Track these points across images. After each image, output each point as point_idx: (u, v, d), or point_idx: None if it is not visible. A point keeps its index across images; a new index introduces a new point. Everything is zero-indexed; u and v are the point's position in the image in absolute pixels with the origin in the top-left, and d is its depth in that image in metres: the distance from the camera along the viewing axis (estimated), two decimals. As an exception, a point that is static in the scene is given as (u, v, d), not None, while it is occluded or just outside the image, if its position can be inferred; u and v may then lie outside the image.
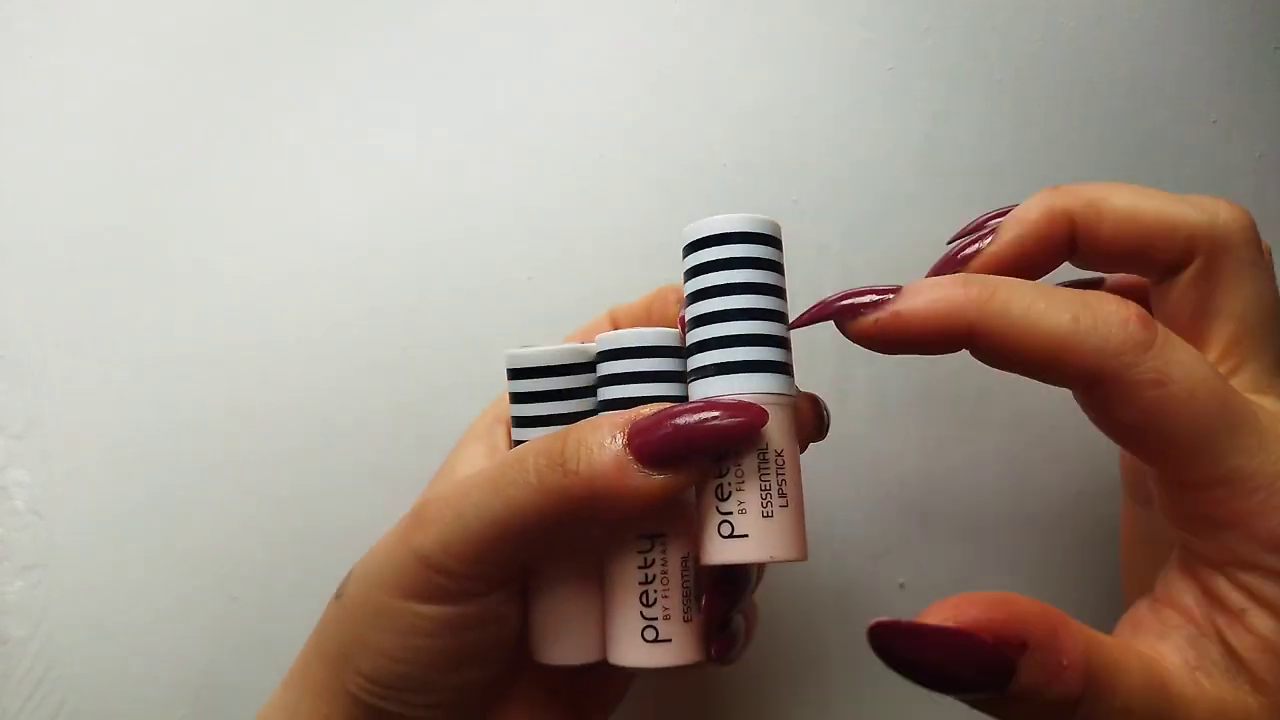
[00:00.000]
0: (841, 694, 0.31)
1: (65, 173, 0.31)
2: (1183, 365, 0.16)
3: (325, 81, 0.32)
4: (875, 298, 0.18)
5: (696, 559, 0.21)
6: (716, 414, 0.19)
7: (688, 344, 0.21)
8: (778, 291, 0.21)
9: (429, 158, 0.32)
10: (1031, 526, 0.31)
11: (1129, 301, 0.17)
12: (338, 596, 0.22)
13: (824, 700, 0.31)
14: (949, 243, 0.22)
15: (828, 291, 0.31)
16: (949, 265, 0.21)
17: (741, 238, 0.20)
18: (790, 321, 0.20)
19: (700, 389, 0.20)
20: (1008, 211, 0.21)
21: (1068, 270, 0.22)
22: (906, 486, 0.31)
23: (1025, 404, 0.31)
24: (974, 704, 0.16)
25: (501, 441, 0.25)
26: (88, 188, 0.31)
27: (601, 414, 0.21)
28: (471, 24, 0.32)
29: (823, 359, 0.31)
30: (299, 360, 0.31)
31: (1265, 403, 0.18)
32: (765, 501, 0.19)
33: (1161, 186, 0.32)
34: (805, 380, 0.31)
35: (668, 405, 0.20)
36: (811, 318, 0.20)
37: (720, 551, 0.19)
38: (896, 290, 0.18)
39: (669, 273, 0.31)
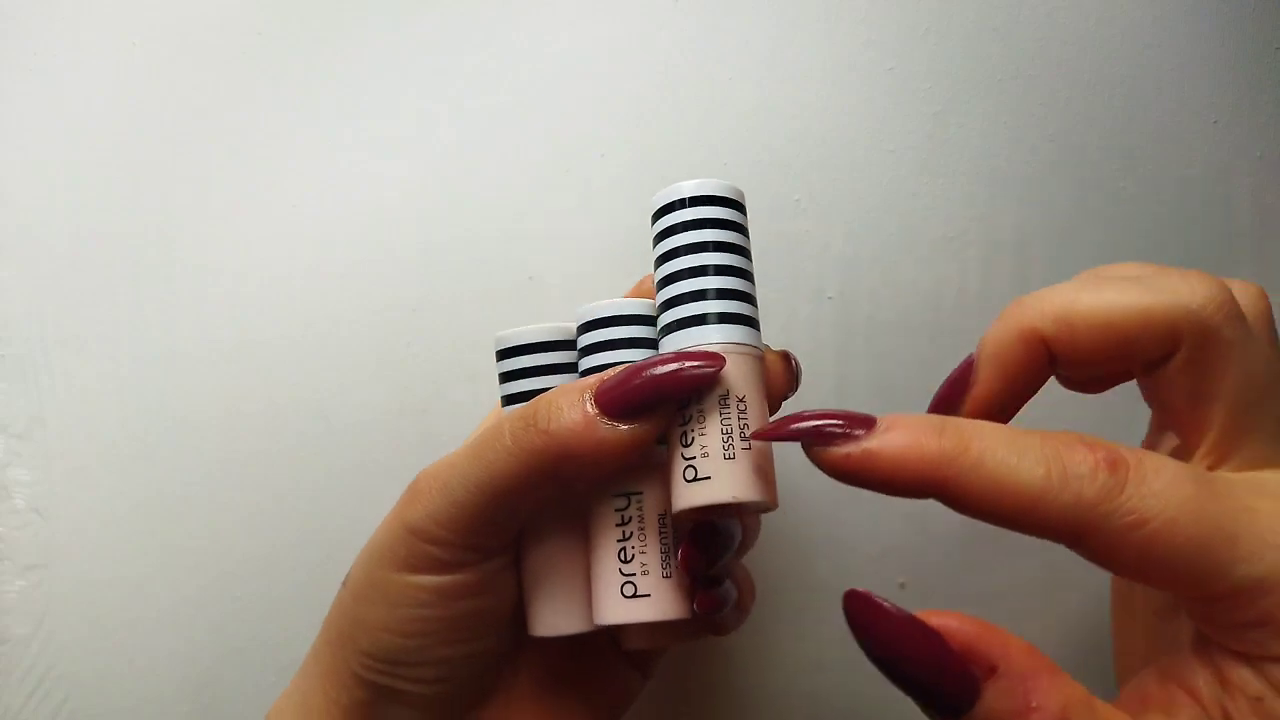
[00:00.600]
0: (842, 693, 0.31)
1: (67, 172, 0.32)
2: (1160, 497, 0.16)
3: (327, 81, 0.32)
4: (849, 430, 0.18)
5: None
6: (675, 364, 0.19)
7: (656, 305, 0.21)
8: (738, 249, 0.21)
9: (430, 158, 0.32)
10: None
11: (1096, 443, 0.16)
12: (344, 583, 0.23)
13: (824, 700, 0.31)
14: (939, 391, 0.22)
15: (828, 291, 0.31)
16: (939, 410, 0.21)
17: (702, 200, 0.21)
18: (752, 433, 0.20)
19: (667, 344, 0.21)
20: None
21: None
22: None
23: (1027, 404, 0.31)
24: None
25: None
26: (90, 187, 0.32)
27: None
28: (472, 24, 0.32)
29: (822, 357, 0.31)
30: (300, 359, 0.31)
31: (1269, 477, 0.17)
32: (726, 445, 0.20)
33: (1163, 187, 0.32)
34: (805, 378, 0.31)
35: (631, 363, 0.20)
36: (778, 435, 0.19)
37: (684, 495, 0.20)
38: (871, 424, 0.17)
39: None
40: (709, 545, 0.21)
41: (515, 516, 0.21)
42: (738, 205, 0.21)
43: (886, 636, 0.16)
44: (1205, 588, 0.16)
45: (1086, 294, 0.18)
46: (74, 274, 0.31)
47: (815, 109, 0.32)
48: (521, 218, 0.32)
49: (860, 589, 0.17)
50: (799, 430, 0.18)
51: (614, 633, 0.24)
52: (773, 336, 0.27)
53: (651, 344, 0.22)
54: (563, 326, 0.24)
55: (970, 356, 0.20)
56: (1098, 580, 0.30)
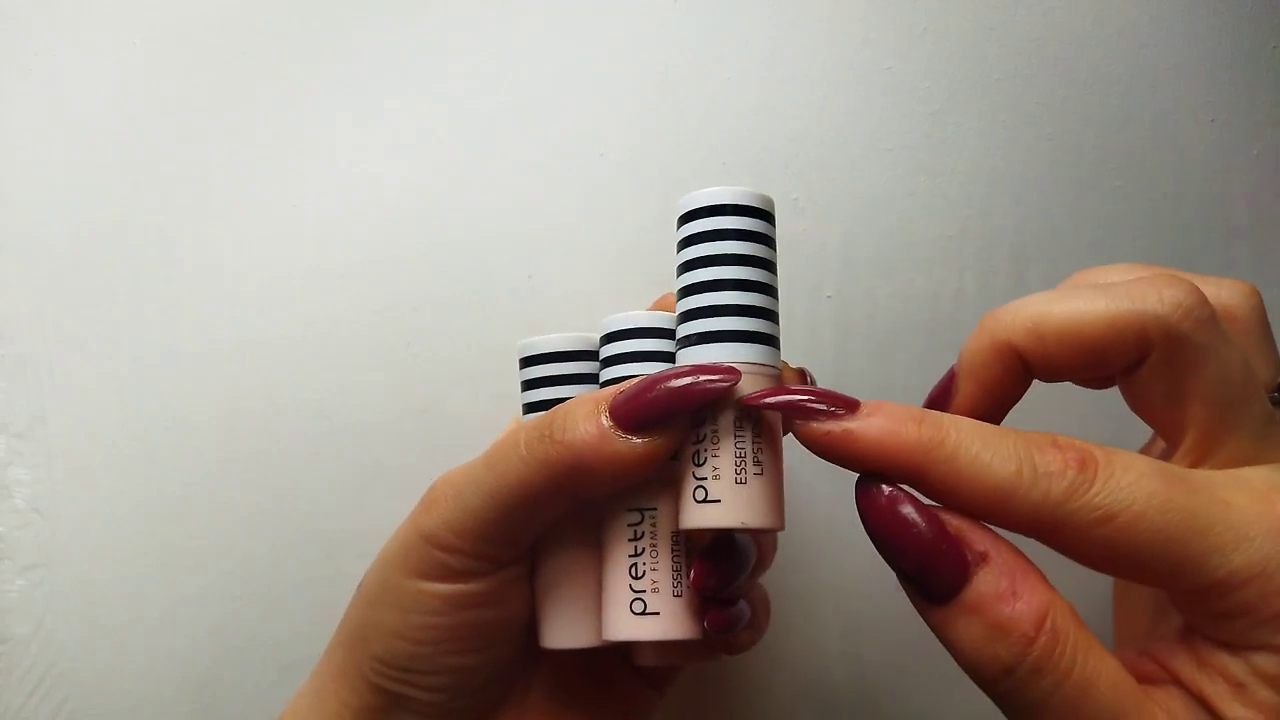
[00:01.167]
0: (843, 693, 0.31)
1: (68, 171, 0.32)
2: (1127, 491, 0.16)
3: (327, 81, 0.32)
4: (832, 408, 0.18)
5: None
6: (689, 377, 0.19)
7: (676, 314, 0.21)
8: (765, 264, 0.21)
9: (430, 157, 0.32)
10: None
11: (1069, 443, 0.17)
12: (359, 586, 0.23)
13: (825, 699, 0.31)
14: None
15: (826, 290, 0.31)
16: None
17: (731, 210, 0.20)
18: (740, 398, 0.20)
19: (684, 358, 0.21)
20: None
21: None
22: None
23: (1026, 402, 0.31)
24: (931, 619, 0.17)
25: None
26: (91, 186, 0.32)
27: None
28: (472, 24, 0.32)
29: (820, 356, 0.31)
30: (301, 359, 0.31)
31: (1249, 472, 0.17)
32: (739, 468, 0.20)
33: (1160, 186, 0.32)
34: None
35: (647, 375, 0.20)
36: (763, 403, 0.19)
37: (692, 516, 0.20)
38: (855, 407, 0.18)
39: (668, 271, 0.31)
40: (722, 565, 0.21)
41: (530, 527, 0.21)
42: (764, 215, 0.21)
43: (889, 520, 0.17)
44: (1180, 581, 0.16)
45: (1057, 304, 0.19)
46: (74, 274, 0.31)
47: (814, 109, 0.32)
48: (521, 217, 0.32)
49: (868, 479, 0.18)
50: (785, 402, 0.19)
51: (625, 648, 0.23)
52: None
53: (673, 358, 0.22)
54: (585, 336, 0.24)
55: (952, 369, 0.21)
56: (1102, 580, 0.30)
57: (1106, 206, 0.32)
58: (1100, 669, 0.16)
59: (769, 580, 0.26)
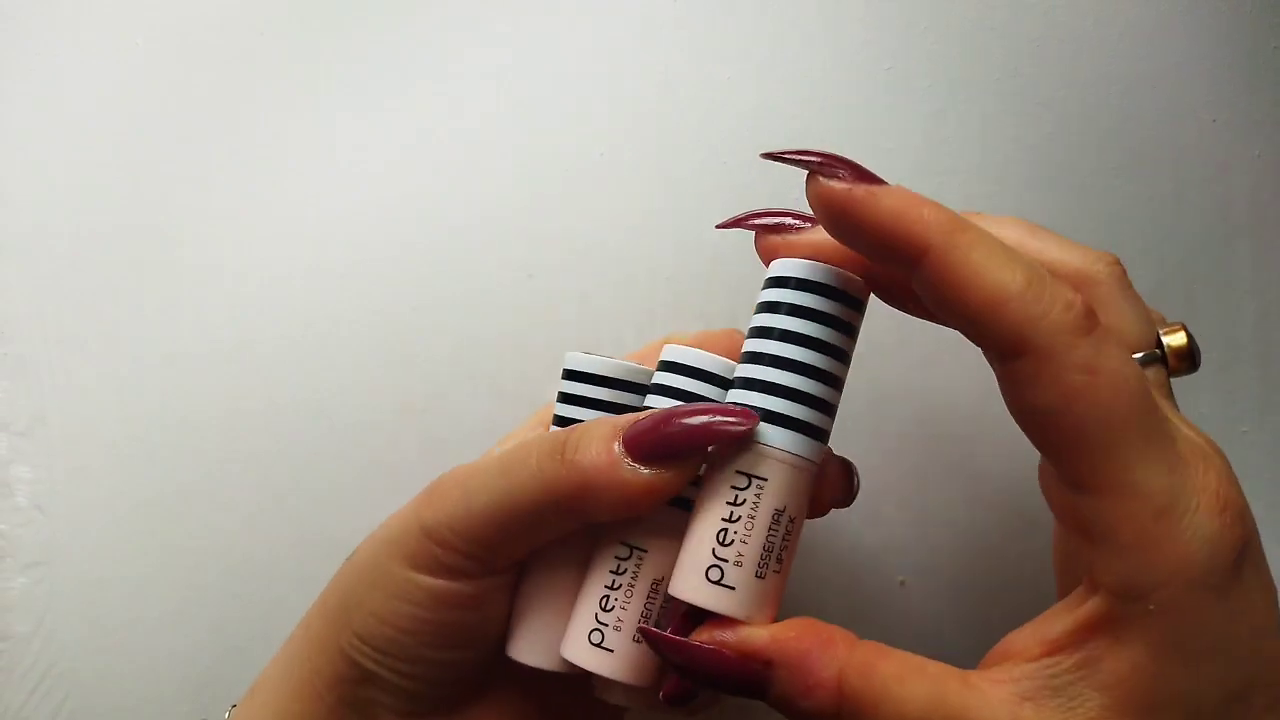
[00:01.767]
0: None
1: (69, 170, 0.32)
2: (1115, 360, 0.16)
3: (327, 81, 0.32)
4: (857, 174, 0.18)
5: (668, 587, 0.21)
6: (706, 415, 0.19)
7: (737, 374, 0.20)
8: (838, 353, 0.20)
9: (430, 157, 0.32)
10: (1031, 524, 0.31)
11: (1082, 294, 0.17)
12: (349, 558, 0.23)
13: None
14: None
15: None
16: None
17: (818, 288, 0.20)
18: (764, 153, 0.20)
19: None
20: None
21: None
22: (907, 481, 0.31)
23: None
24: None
25: None
26: (92, 185, 0.32)
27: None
28: (472, 24, 0.32)
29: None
30: (301, 358, 0.31)
31: (1185, 443, 0.17)
32: (763, 561, 0.19)
33: (1161, 187, 0.32)
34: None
35: (668, 408, 0.20)
36: (786, 158, 0.19)
37: (699, 592, 0.19)
38: (879, 181, 0.18)
39: (669, 271, 0.31)
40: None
41: (529, 540, 0.21)
42: (854, 302, 0.20)
43: (681, 658, 0.18)
44: (1098, 473, 0.16)
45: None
46: (74, 273, 0.31)
47: (814, 108, 0.32)
48: (521, 217, 0.32)
49: (645, 627, 0.20)
50: (809, 159, 0.18)
51: (594, 681, 0.23)
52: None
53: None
54: (638, 369, 0.23)
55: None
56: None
57: (1107, 206, 0.32)
58: (913, 690, 0.17)
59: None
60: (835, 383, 0.20)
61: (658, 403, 0.22)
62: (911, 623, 0.31)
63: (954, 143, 0.32)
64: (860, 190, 0.17)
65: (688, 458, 0.19)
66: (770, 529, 0.19)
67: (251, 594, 0.31)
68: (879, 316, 0.32)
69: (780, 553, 0.19)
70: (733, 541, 0.19)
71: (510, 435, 0.27)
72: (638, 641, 0.21)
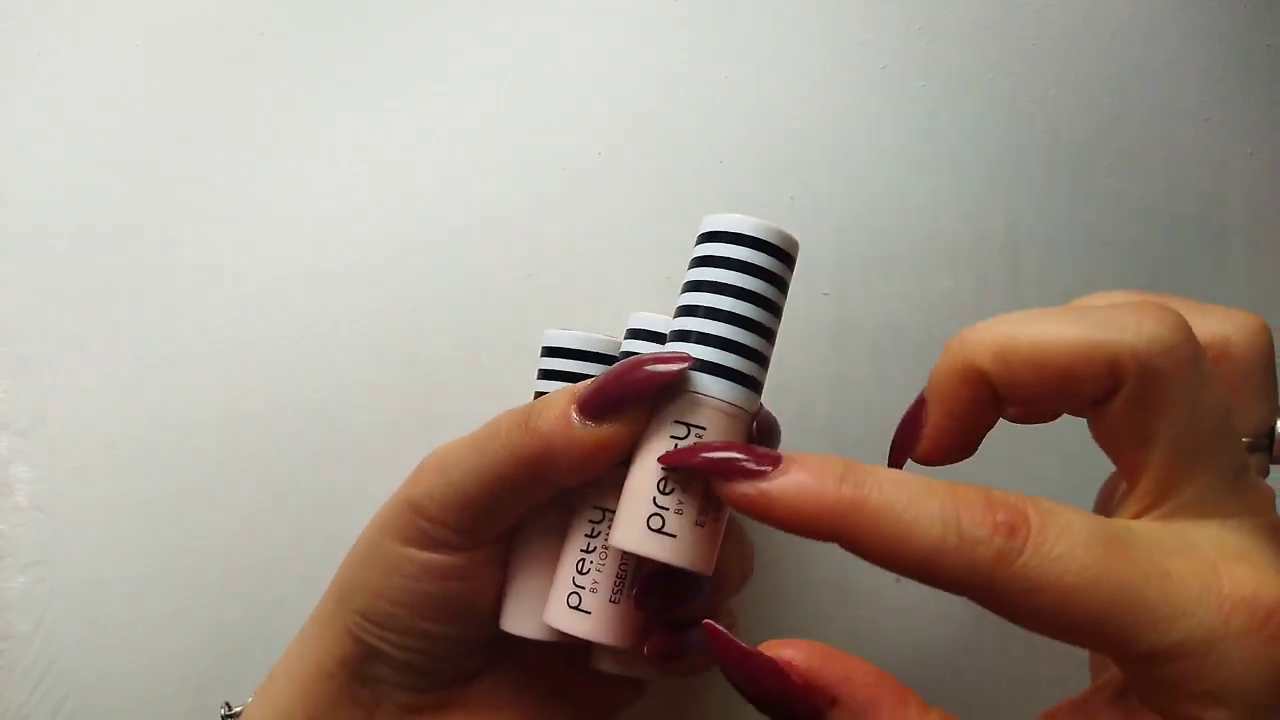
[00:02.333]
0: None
1: (69, 169, 0.32)
2: (1059, 562, 0.15)
3: (327, 81, 0.32)
4: (754, 466, 0.17)
5: None
6: (645, 367, 0.20)
7: (670, 329, 0.21)
8: (768, 304, 0.20)
9: (430, 157, 0.32)
10: None
11: (1001, 502, 0.16)
12: (355, 543, 0.24)
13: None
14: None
15: (823, 286, 0.32)
16: (898, 459, 0.21)
17: (751, 242, 0.20)
18: (660, 457, 0.20)
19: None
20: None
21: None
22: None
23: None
24: None
25: None
26: (92, 184, 0.32)
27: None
28: (472, 24, 0.32)
29: (818, 353, 0.31)
30: (301, 358, 0.31)
31: (1202, 530, 0.16)
32: (704, 510, 0.19)
33: (1155, 185, 0.33)
34: (799, 371, 0.31)
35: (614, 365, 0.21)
36: (684, 463, 0.19)
37: (643, 541, 0.19)
38: (777, 462, 0.17)
39: (668, 270, 0.31)
40: (668, 592, 0.21)
41: (509, 510, 0.22)
42: (784, 256, 0.20)
43: (737, 668, 0.17)
44: (1115, 651, 0.15)
45: (1026, 327, 0.17)
46: (74, 273, 0.31)
47: (811, 108, 0.32)
48: (521, 217, 0.32)
49: (713, 624, 0.17)
50: (705, 460, 0.18)
51: (590, 651, 0.24)
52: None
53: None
54: (608, 340, 0.24)
55: (922, 393, 0.20)
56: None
57: (1101, 205, 0.32)
58: None
59: (768, 579, 0.26)
60: (767, 334, 0.20)
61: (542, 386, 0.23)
62: (905, 620, 0.31)
63: (949, 142, 0.32)
64: (754, 494, 0.17)
65: (631, 408, 0.20)
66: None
67: (251, 594, 0.31)
68: (876, 316, 0.32)
69: (719, 501, 0.19)
70: (673, 490, 0.19)
71: None
72: (614, 603, 0.21)
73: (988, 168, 0.32)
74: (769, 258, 0.20)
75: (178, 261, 0.31)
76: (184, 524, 0.31)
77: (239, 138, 0.32)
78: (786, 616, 0.31)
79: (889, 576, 0.31)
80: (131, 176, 0.32)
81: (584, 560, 0.22)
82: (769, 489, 0.17)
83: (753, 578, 0.26)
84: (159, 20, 0.32)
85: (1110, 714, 0.17)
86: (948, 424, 0.19)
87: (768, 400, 0.25)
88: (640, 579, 0.21)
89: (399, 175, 0.32)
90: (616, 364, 0.20)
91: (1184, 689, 0.15)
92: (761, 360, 0.20)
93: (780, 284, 0.20)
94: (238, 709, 0.26)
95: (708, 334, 0.20)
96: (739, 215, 0.20)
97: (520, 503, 0.22)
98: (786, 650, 0.17)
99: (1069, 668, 0.19)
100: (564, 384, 0.24)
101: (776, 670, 0.17)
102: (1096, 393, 0.17)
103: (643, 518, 0.19)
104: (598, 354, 0.24)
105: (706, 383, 0.20)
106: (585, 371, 0.24)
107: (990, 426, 0.19)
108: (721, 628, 0.17)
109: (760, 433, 0.23)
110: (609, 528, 0.21)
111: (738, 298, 0.20)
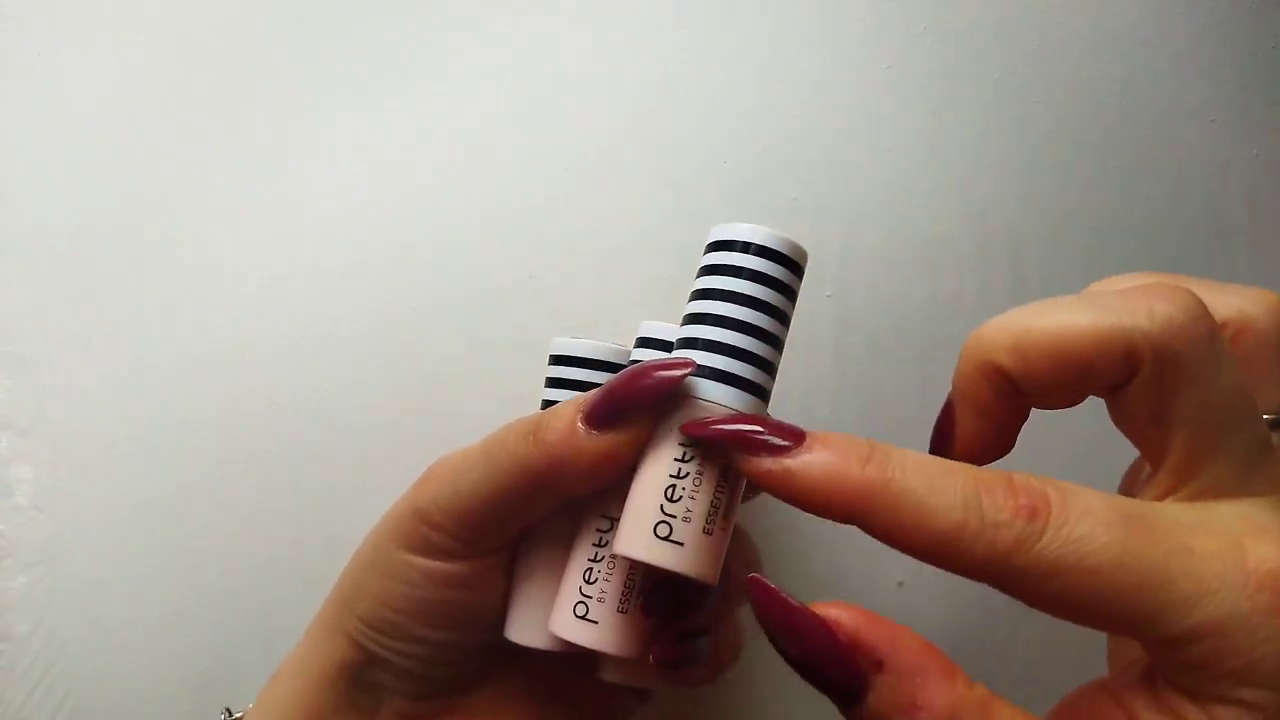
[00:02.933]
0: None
1: (69, 169, 0.32)
2: (1080, 543, 0.15)
3: (327, 81, 0.32)
4: (777, 441, 0.17)
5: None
6: (647, 372, 0.19)
7: (677, 336, 0.21)
8: (777, 313, 0.20)
9: (430, 157, 0.32)
10: None
11: (1021, 485, 0.16)
12: (359, 547, 0.24)
13: (823, 701, 0.31)
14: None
15: (826, 290, 0.31)
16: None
17: (761, 251, 0.20)
18: (682, 425, 0.19)
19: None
20: None
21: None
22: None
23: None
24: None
25: None
26: (92, 184, 0.32)
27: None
28: (472, 25, 0.32)
29: (820, 354, 0.31)
30: (301, 358, 0.31)
31: (1227, 509, 0.16)
32: (710, 517, 0.19)
33: (1160, 186, 0.33)
34: (802, 372, 0.31)
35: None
36: (705, 435, 0.19)
37: (649, 549, 0.19)
38: (800, 438, 0.17)
39: (668, 271, 0.31)
40: (675, 598, 0.21)
41: (515, 520, 0.22)
42: (794, 266, 0.20)
43: (781, 623, 0.16)
44: (1140, 632, 0.15)
45: (1040, 319, 0.17)
46: (75, 273, 0.31)
47: (813, 108, 0.32)
48: (521, 217, 0.32)
49: (760, 577, 0.17)
50: (726, 432, 0.18)
51: (596, 660, 0.24)
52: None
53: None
54: (617, 349, 0.24)
55: (949, 397, 0.20)
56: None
57: (1105, 206, 0.32)
58: None
59: (769, 578, 0.26)
60: (775, 343, 0.20)
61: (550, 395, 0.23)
62: (910, 624, 0.31)
63: (953, 143, 0.32)
64: (778, 470, 0.17)
65: (637, 415, 0.20)
66: (718, 485, 0.19)
67: (251, 594, 0.31)
68: (878, 317, 0.32)
69: (727, 509, 0.19)
70: (680, 497, 0.19)
71: None
72: (622, 612, 0.21)
73: (992, 169, 0.32)
74: (779, 267, 0.20)
75: (178, 261, 0.31)
76: (184, 524, 0.31)
77: (239, 138, 0.32)
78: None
79: (891, 581, 0.31)
80: (131, 176, 0.32)
81: (591, 569, 0.21)
82: (792, 466, 0.17)
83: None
84: (159, 20, 0.32)
85: (1136, 697, 0.16)
86: (978, 424, 0.19)
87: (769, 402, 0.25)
88: (647, 588, 0.21)
89: (399, 175, 0.32)
90: (621, 372, 0.20)
91: (1211, 669, 0.15)
92: (769, 369, 0.20)
93: (789, 293, 0.20)
94: (239, 714, 0.26)
95: (716, 341, 0.20)
96: (749, 225, 0.20)
97: (527, 513, 0.22)
98: (832, 610, 0.16)
99: (1074, 676, 0.19)
100: (572, 392, 0.24)
101: (822, 628, 0.16)
102: (1114, 379, 0.17)
103: (649, 525, 0.19)
104: (607, 363, 0.24)
105: (713, 390, 0.19)
106: (594, 380, 0.24)
107: (1022, 420, 0.19)
108: (764, 579, 0.17)
109: None
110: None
111: (747, 306, 0.20)
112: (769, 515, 0.31)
